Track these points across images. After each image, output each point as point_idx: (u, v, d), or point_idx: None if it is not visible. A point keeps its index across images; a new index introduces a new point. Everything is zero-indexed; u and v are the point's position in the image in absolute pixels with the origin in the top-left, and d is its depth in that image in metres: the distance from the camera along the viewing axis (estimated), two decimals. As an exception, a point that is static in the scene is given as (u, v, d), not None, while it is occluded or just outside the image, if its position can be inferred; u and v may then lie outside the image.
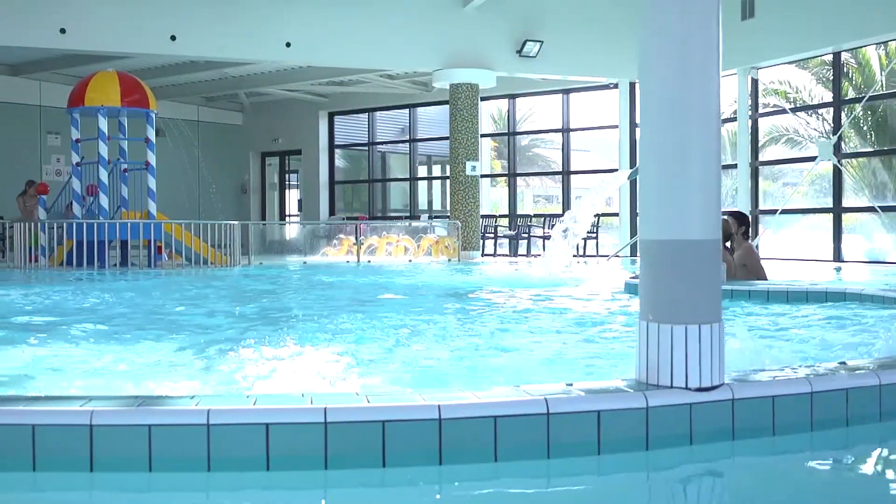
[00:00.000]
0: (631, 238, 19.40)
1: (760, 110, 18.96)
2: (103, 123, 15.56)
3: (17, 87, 21.58)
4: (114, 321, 7.41)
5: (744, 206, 18.34)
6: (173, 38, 17.07)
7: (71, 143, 16.07)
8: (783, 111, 20.18)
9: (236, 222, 17.36)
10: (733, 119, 18.74)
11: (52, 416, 2.98)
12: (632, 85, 20.26)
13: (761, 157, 19.33)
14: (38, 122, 21.97)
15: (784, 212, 17.93)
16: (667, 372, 3.34)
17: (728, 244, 8.91)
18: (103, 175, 15.63)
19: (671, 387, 3.33)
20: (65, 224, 15.69)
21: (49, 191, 16.65)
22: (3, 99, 21.38)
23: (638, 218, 19.99)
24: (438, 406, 3.03)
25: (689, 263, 3.36)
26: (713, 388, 3.32)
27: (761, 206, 18.68)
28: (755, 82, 18.55)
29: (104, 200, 15.66)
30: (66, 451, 2.94)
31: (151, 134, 16.11)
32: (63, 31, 16.39)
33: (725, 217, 9.06)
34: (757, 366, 3.98)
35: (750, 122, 18.60)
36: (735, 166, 18.58)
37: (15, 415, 2.98)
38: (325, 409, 2.99)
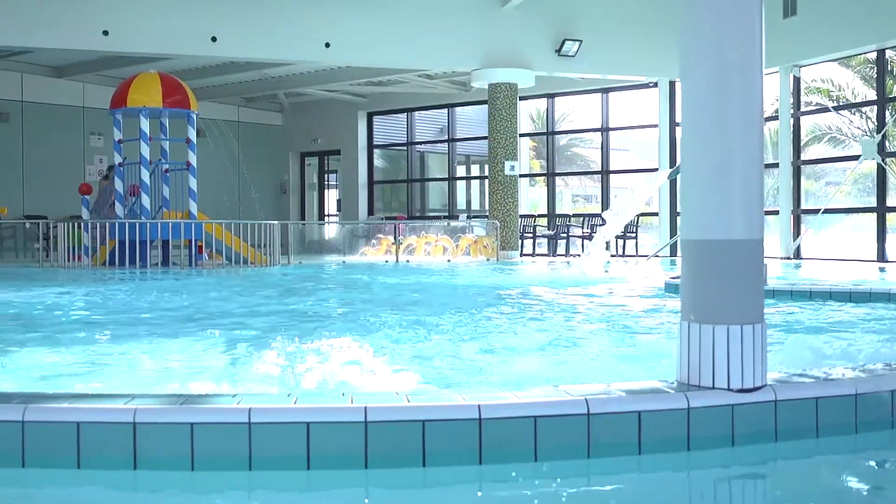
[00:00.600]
0: (671, 238, 19.29)
1: (802, 109, 18.76)
2: (145, 124, 15.71)
3: (61, 89, 21.87)
4: (156, 319, 7.48)
5: (785, 206, 18.17)
6: (214, 39, 17.20)
7: (113, 143, 16.24)
8: (826, 109, 19.97)
9: (276, 222, 17.46)
10: (775, 118, 18.56)
11: (96, 414, 3.01)
12: (671, 84, 20.14)
13: (803, 156, 19.13)
14: (81, 124, 22.24)
15: (826, 211, 17.73)
16: (708, 373, 3.32)
17: None
18: (145, 175, 15.79)
19: (713, 388, 3.30)
20: (107, 224, 15.87)
21: (92, 191, 16.85)
22: (47, 100, 21.67)
23: (679, 217, 19.88)
24: (479, 406, 3.03)
25: (732, 263, 3.33)
26: (755, 389, 3.29)
27: (803, 206, 18.49)
28: (797, 80, 18.36)
29: (146, 200, 15.82)
30: (109, 448, 2.97)
31: (192, 134, 16.24)
32: (106, 33, 16.57)
33: None
34: (799, 367, 3.94)
35: (792, 120, 18.41)
36: (777, 165, 18.40)
37: (60, 412, 3.02)
38: (366, 408, 2.99)
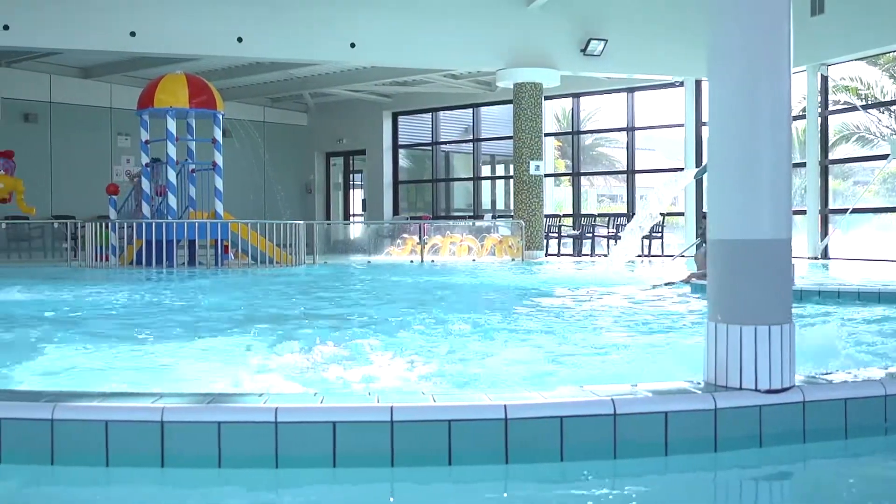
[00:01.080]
0: (696, 238, 19.19)
1: (830, 107, 18.62)
2: (172, 125, 15.80)
3: (88, 90, 22.04)
4: (183, 318, 7.52)
5: (813, 206, 18.05)
6: (240, 40, 17.28)
7: (140, 144, 16.34)
8: (854, 108, 19.81)
9: (301, 222, 17.51)
10: (802, 117, 18.43)
11: (124, 413, 3.03)
12: (698, 83, 20.03)
13: (831, 156, 18.99)
14: (108, 124, 22.40)
15: (854, 211, 17.58)
16: (736, 373, 3.30)
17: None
18: (171, 175, 15.88)
19: (740, 388, 3.28)
20: (134, 224, 15.97)
21: (119, 191, 16.96)
22: (75, 101, 21.84)
23: (706, 217, 19.77)
24: (504, 406, 3.03)
25: (759, 263, 3.31)
26: (783, 390, 3.27)
27: (831, 206, 18.35)
28: (825, 79, 18.22)
29: (172, 200, 15.91)
30: (138, 446, 2.99)
31: (218, 135, 16.31)
32: (133, 34, 16.68)
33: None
34: (828, 368, 3.92)
35: (819, 119, 18.27)
36: (804, 165, 18.27)
37: (89, 411, 3.05)
38: (392, 407, 3.00)
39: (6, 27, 15.88)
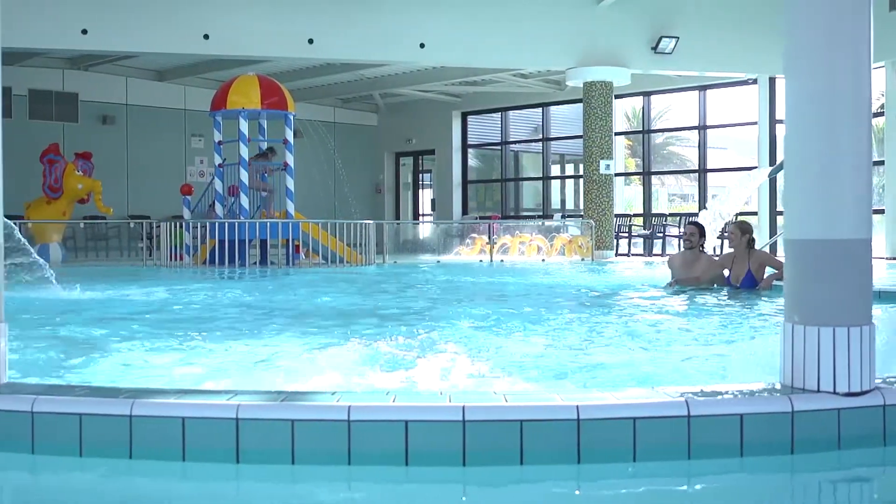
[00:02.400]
0: (770, 238, 18.88)
1: (910, 104, 18.17)
2: (244, 126, 16.00)
3: (163, 92, 22.45)
4: (255, 317, 7.62)
5: (892, 205, 17.65)
6: (311, 41, 17.44)
7: (213, 145, 16.59)
8: (934, 105, 19.28)
9: (371, 222, 17.62)
10: (881, 114, 18.02)
11: (200, 410, 3.09)
12: (771, 80, 19.69)
13: (911, 153, 18.51)
14: (182, 125, 22.78)
15: (935, 210, 17.14)
16: (813, 375, 3.24)
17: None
18: (244, 176, 16.08)
19: (818, 391, 3.23)
20: (207, 224, 16.22)
21: (193, 192, 17.23)
22: (150, 103, 22.26)
23: (781, 217, 19.45)
24: (577, 406, 3.02)
25: (838, 263, 3.25)
26: (863, 393, 3.21)
27: (910, 205, 17.90)
28: (904, 75, 17.80)
29: (244, 201, 16.11)
30: (213, 442, 3.04)
31: (290, 135, 16.48)
32: (206, 37, 16.93)
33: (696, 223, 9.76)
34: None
35: (898, 116, 17.85)
36: (882, 163, 17.86)
37: (166, 407, 3.10)
38: (464, 407, 3.01)
39: (84, 32, 16.23)
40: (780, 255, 17.12)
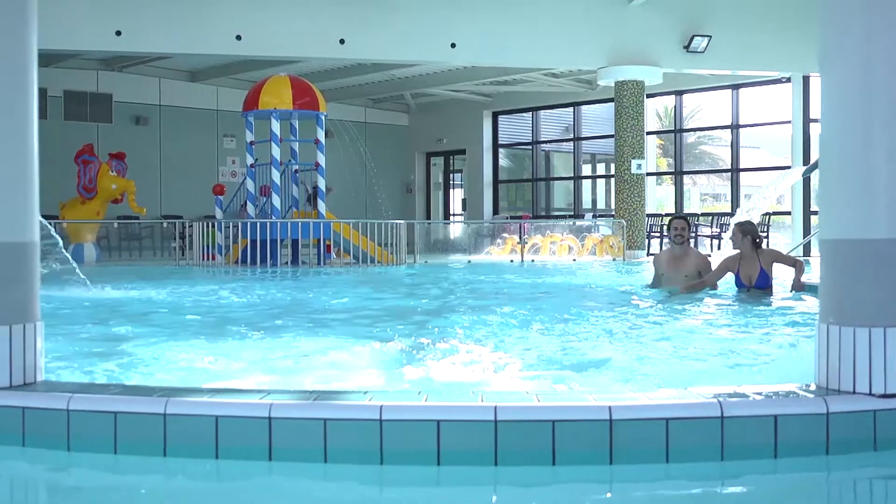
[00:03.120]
0: (804, 238, 18.73)
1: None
2: (276, 126, 16.08)
3: (195, 93, 22.61)
4: (286, 317, 7.65)
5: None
6: (342, 41, 17.49)
7: (245, 145, 16.68)
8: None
9: (402, 221, 17.64)
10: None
11: (233, 409, 3.11)
12: (805, 78, 19.52)
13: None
14: (214, 126, 22.93)
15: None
16: (849, 376, 3.21)
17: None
18: (275, 176, 16.16)
19: (853, 392, 3.20)
20: (239, 223, 16.31)
21: (225, 191, 17.34)
22: (183, 104, 22.42)
23: (815, 217, 19.28)
24: (609, 407, 3.01)
25: (875, 263, 3.21)
26: (899, 394, 3.17)
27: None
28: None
29: (276, 200, 16.19)
30: (246, 440, 3.06)
31: (321, 135, 16.54)
32: (239, 38, 17.02)
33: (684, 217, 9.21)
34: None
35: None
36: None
37: (200, 406, 3.12)
38: (496, 407, 3.00)
39: (118, 33, 16.37)
40: (816, 255, 16.99)
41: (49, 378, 3.77)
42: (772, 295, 8.44)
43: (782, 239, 20.60)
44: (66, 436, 3.18)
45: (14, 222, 3.54)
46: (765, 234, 19.41)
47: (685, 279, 8.85)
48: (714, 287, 8.77)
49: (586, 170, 25.28)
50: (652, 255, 20.02)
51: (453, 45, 18.02)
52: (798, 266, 8.76)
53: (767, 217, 18.92)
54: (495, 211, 25.32)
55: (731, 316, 7.42)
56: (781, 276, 8.99)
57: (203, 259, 16.47)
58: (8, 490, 3.02)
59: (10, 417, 3.25)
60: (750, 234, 8.55)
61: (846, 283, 3.28)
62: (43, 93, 19.25)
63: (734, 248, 8.97)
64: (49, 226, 9.45)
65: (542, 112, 24.68)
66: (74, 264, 9.95)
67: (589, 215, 22.86)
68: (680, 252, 8.99)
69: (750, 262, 8.53)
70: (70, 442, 3.17)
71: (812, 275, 9.46)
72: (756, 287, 8.50)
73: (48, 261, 9.55)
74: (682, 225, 8.96)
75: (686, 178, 23.47)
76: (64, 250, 10.07)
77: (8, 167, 3.51)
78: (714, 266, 9.03)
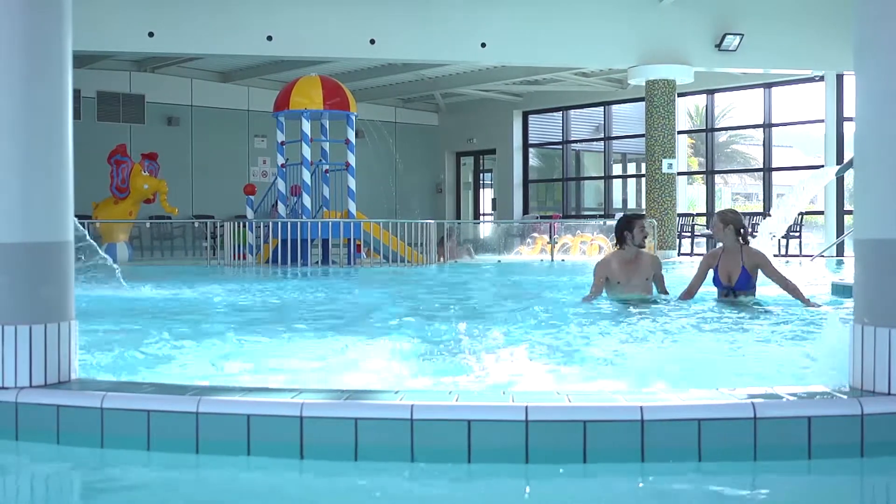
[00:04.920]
0: (837, 237, 18.56)
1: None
2: (306, 126, 16.15)
3: (227, 93, 22.74)
4: (317, 316, 7.68)
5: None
6: (372, 42, 17.53)
7: (276, 145, 16.76)
8: None
9: (432, 221, 17.67)
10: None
11: (265, 407, 3.13)
12: (839, 77, 19.34)
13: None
14: (246, 126, 23.05)
15: None
16: (884, 378, 3.18)
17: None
18: (306, 176, 16.22)
19: (888, 394, 3.16)
20: (270, 223, 16.39)
21: (256, 191, 17.43)
22: (214, 104, 22.56)
23: (849, 216, 19.11)
24: (641, 407, 3.00)
25: (911, 263, 3.18)
26: (935, 395, 3.14)
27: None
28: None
29: (307, 200, 16.25)
30: (278, 439, 3.08)
31: (351, 135, 16.59)
32: (270, 38, 17.11)
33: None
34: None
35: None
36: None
37: (232, 405, 3.15)
38: (527, 407, 3.00)
39: (151, 34, 16.50)
40: (849, 255, 16.79)
41: (83, 376, 3.80)
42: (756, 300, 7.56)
43: (815, 239, 20.43)
44: (100, 434, 3.21)
45: (49, 222, 3.57)
46: (797, 234, 19.26)
47: (645, 283, 7.94)
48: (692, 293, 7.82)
49: (617, 169, 25.19)
50: (683, 254, 19.93)
51: (483, 45, 18.01)
52: (792, 288, 7.58)
53: (801, 217, 18.77)
54: (525, 211, 25.29)
55: (763, 319, 7.34)
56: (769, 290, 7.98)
57: (234, 259, 16.56)
58: (43, 487, 3.06)
59: (45, 415, 3.29)
60: (732, 224, 7.46)
61: (881, 283, 3.25)
62: (77, 94, 19.43)
63: (715, 239, 7.88)
64: (82, 227, 9.54)
65: (572, 111, 24.60)
66: (116, 266, 10.03)
67: (619, 215, 22.75)
68: (630, 255, 7.90)
69: (732, 257, 7.51)
70: (104, 440, 3.21)
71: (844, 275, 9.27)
72: (736, 289, 7.54)
73: (85, 261, 9.63)
74: (647, 224, 8.07)
75: (717, 178, 23.33)
76: (100, 250, 10.17)
77: (44, 168, 3.55)
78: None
